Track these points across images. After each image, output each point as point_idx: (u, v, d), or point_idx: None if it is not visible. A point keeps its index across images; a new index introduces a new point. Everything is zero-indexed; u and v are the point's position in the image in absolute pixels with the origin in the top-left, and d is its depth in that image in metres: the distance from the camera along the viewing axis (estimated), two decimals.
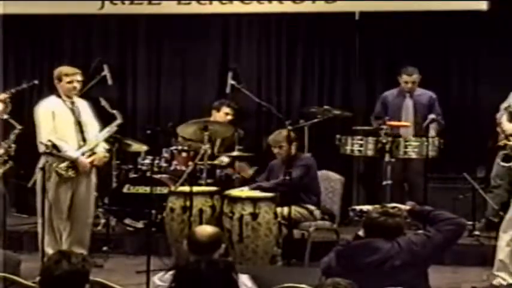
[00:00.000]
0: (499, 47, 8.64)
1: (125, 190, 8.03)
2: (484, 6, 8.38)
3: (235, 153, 7.96)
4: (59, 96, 6.96)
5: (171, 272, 4.11)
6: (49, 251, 6.55)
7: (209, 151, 7.43)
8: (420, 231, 4.64)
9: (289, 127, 7.21)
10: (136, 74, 9.57)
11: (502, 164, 6.86)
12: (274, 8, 8.96)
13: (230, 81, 8.14)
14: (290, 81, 9.31)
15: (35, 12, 9.14)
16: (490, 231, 7.50)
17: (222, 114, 8.35)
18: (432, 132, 7.66)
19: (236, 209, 6.77)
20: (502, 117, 7.00)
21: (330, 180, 7.59)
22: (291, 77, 9.31)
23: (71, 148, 6.85)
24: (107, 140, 7.23)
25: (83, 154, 6.89)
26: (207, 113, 8.43)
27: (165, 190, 7.55)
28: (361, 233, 4.48)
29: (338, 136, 7.62)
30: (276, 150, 7.30)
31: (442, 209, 4.67)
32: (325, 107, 8.47)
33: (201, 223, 6.67)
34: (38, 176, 6.64)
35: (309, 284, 4.23)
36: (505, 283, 6.25)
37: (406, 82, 8.28)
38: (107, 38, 9.56)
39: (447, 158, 7.78)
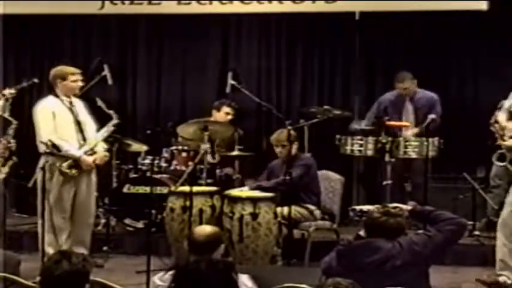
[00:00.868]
0: (499, 47, 8.64)
1: (125, 190, 8.03)
2: (484, 6, 8.38)
3: (235, 153, 7.96)
4: (57, 96, 6.95)
5: (171, 272, 4.11)
6: (50, 250, 6.55)
7: (209, 151, 7.43)
8: (421, 231, 4.64)
9: (289, 127, 7.22)
10: (136, 74, 9.57)
11: (497, 163, 6.86)
12: (274, 8, 8.96)
13: (230, 81, 8.15)
14: (290, 81, 9.31)
15: (35, 12, 9.14)
16: (490, 231, 7.49)
17: (223, 114, 8.35)
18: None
19: (236, 209, 6.77)
20: (499, 116, 6.96)
21: (330, 180, 7.59)
22: (291, 77, 9.31)
23: (73, 147, 6.85)
24: (106, 140, 7.23)
25: (84, 153, 6.89)
26: (207, 113, 8.43)
27: (165, 190, 7.55)
28: (362, 233, 4.48)
29: (338, 136, 7.62)
30: (278, 150, 7.30)
31: (442, 209, 4.68)
32: (325, 107, 8.47)
33: (201, 223, 6.67)
34: (38, 175, 6.63)
35: (309, 284, 4.23)
36: (509, 281, 6.27)
37: (399, 88, 8.31)
38: (107, 38, 9.56)
39: (447, 158, 7.78)
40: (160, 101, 9.55)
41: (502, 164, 6.74)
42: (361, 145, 7.54)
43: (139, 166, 8.17)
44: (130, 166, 8.30)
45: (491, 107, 6.99)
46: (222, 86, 8.77)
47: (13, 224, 7.95)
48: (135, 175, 8.15)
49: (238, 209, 6.76)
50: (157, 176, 7.90)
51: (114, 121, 7.12)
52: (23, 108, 8.32)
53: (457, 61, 9.03)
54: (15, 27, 9.09)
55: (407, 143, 7.50)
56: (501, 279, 6.25)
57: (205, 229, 4.60)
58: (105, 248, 7.52)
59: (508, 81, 7.69)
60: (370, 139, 7.52)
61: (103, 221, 8.03)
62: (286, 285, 4.37)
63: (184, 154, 8.11)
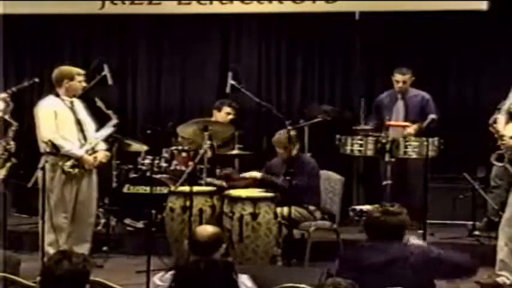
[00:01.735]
0: (499, 47, 8.64)
1: (125, 190, 8.03)
2: (484, 6, 8.38)
3: (235, 152, 7.96)
4: (57, 95, 6.95)
5: (171, 272, 4.12)
6: (50, 250, 6.55)
7: (209, 151, 7.43)
8: (435, 251, 4.48)
9: (289, 127, 7.22)
10: (136, 74, 9.57)
11: (496, 163, 6.87)
12: (274, 8, 8.96)
13: (230, 81, 8.14)
14: (290, 81, 9.31)
15: (35, 12, 9.13)
16: (490, 231, 7.49)
17: (223, 114, 8.36)
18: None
19: (236, 209, 6.77)
20: (498, 123, 6.95)
21: (330, 180, 7.59)
22: (291, 77, 9.31)
23: (75, 146, 6.85)
24: (106, 140, 7.23)
25: (86, 152, 6.90)
26: (207, 113, 8.43)
27: (165, 190, 7.55)
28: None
29: (338, 136, 7.63)
30: (280, 151, 7.31)
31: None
32: (325, 107, 8.46)
33: (201, 223, 6.68)
34: (38, 175, 6.63)
35: (309, 284, 4.24)
36: (508, 282, 6.27)
37: (398, 81, 8.28)
38: (107, 38, 9.56)
39: (447, 158, 7.78)
40: (160, 101, 9.55)
41: (500, 164, 6.74)
42: (361, 145, 7.55)
43: (139, 166, 8.17)
44: (130, 166, 8.30)
45: (491, 107, 6.99)
46: (222, 86, 8.77)
47: (13, 224, 7.94)
48: (135, 175, 8.15)
49: (238, 209, 6.76)
50: (157, 176, 7.90)
51: (114, 121, 7.12)
52: (23, 108, 8.32)
53: (457, 61, 9.03)
54: (15, 27, 9.09)
55: (407, 143, 7.50)
56: (500, 279, 6.25)
57: (206, 229, 4.59)
58: (105, 248, 7.52)
59: (508, 81, 7.69)
60: (370, 139, 7.52)
61: (103, 221, 8.02)
62: (286, 285, 4.37)
63: (184, 154, 8.12)
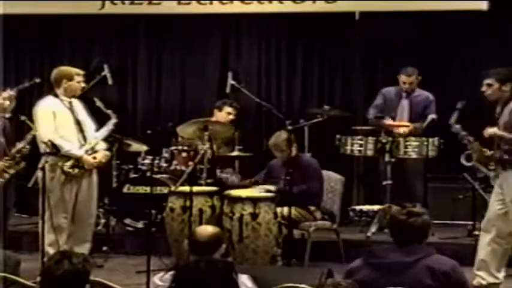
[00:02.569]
0: (499, 47, 8.64)
1: (125, 190, 8.03)
2: (484, 6, 8.38)
3: (235, 153, 7.96)
4: (56, 96, 6.95)
5: (171, 272, 4.12)
6: (50, 250, 6.54)
7: (209, 151, 7.43)
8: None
9: (289, 127, 7.22)
10: (136, 74, 9.57)
11: (464, 163, 6.88)
12: (274, 8, 8.96)
13: (230, 81, 8.15)
14: (290, 81, 9.31)
15: (35, 12, 9.14)
16: None
17: (224, 113, 8.36)
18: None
19: (236, 209, 6.77)
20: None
21: (330, 180, 7.59)
22: (291, 77, 9.31)
23: (74, 146, 6.85)
24: (106, 140, 7.23)
25: (85, 152, 6.90)
26: (207, 113, 8.43)
27: (165, 190, 7.55)
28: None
29: (338, 136, 7.63)
30: (278, 154, 7.31)
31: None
32: (325, 107, 8.47)
33: (201, 223, 6.68)
34: (38, 175, 6.64)
35: (309, 284, 4.23)
36: (484, 282, 6.27)
37: (404, 82, 8.29)
38: (107, 38, 9.57)
39: (447, 158, 7.78)
40: (160, 101, 9.54)
41: (469, 163, 6.77)
42: (361, 145, 7.56)
43: (139, 166, 8.17)
44: (131, 166, 8.30)
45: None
46: (222, 86, 8.78)
47: (13, 224, 7.94)
48: (135, 175, 8.15)
49: (238, 209, 6.77)
50: (157, 176, 7.90)
51: (113, 121, 7.12)
52: (23, 109, 8.31)
53: (457, 61, 9.03)
54: (15, 27, 9.08)
55: (407, 143, 7.50)
56: (475, 282, 6.24)
57: (206, 229, 4.60)
58: (105, 248, 7.52)
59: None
60: (370, 139, 7.53)
61: (103, 221, 8.03)
62: (286, 285, 4.37)
63: (184, 154, 8.12)
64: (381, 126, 8.04)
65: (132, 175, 8.21)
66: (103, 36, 9.56)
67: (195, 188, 6.91)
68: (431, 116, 7.70)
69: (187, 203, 6.80)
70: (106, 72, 8.46)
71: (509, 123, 6.27)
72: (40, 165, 6.65)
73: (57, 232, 6.73)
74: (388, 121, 8.10)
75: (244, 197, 6.85)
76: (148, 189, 7.37)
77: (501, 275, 6.33)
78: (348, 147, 7.60)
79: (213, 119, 8.16)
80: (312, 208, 7.24)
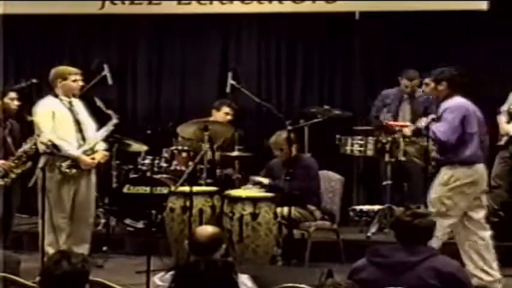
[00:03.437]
0: (499, 47, 8.63)
1: (125, 190, 8.03)
2: (484, 6, 8.38)
3: (235, 153, 7.96)
4: (56, 96, 6.96)
5: (171, 272, 4.11)
6: (50, 250, 6.54)
7: (209, 151, 7.43)
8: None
9: (289, 127, 7.22)
10: (136, 74, 9.57)
11: (401, 158, 6.91)
12: (274, 8, 8.96)
13: (230, 81, 8.14)
14: (290, 81, 9.31)
15: (35, 12, 9.14)
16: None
17: (222, 114, 8.36)
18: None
19: (236, 209, 6.77)
20: (499, 119, 7.00)
21: (330, 180, 7.59)
22: (291, 77, 9.31)
23: (72, 147, 6.85)
24: (106, 140, 7.23)
25: (84, 152, 6.90)
26: (207, 113, 8.43)
27: (165, 190, 7.55)
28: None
29: (338, 136, 7.62)
30: (277, 153, 7.31)
31: None
32: (325, 107, 8.47)
33: (201, 223, 6.68)
34: (38, 175, 6.64)
35: (309, 284, 4.23)
36: (482, 282, 6.26)
37: (406, 86, 8.32)
38: (107, 38, 9.57)
39: None
40: (160, 101, 9.55)
41: (404, 159, 6.82)
42: (361, 145, 7.54)
43: (139, 166, 8.17)
44: (131, 166, 8.30)
45: (491, 107, 7.00)
46: (222, 86, 8.76)
47: (13, 224, 7.93)
48: (135, 175, 8.15)
49: (238, 209, 6.77)
50: (157, 176, 7.90)
51: (114, 121, 7.12)
52: (22, 109, 8.31)
53: (457, 61, 9.00)
54: (15, 27, 9.08)
55: (407, 144, 7.49)
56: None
57: (206, 229, 4.59)
58: (105, 248, 7.52)
59: (508, 81, 7.69)
60: (370, 139, 7.52)
61: (103, 221, 8.03)
62: (286, 285, 4.37)
63: (184, 154, 8.12)
64: (381, 127, 8.03)
65: (132, 175, 8.20)
66: (103, 36, 9.56)
67: (195, 188, 6.91)
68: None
69: (187, 203, 6.80)
70: (106, 72, 8.45)
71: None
72: (40, 165, 6.66)
73: (56, 232, 6.73)
74: (389, 121, 8.09)
75: (244, 197, 6.85)
76: (148, 189, 7.37)
77: (494, 272, 6.29)
78: (348, 147, 7.58)
79: (211, 119, 8.16)
80: (312, 208, 7.24)
